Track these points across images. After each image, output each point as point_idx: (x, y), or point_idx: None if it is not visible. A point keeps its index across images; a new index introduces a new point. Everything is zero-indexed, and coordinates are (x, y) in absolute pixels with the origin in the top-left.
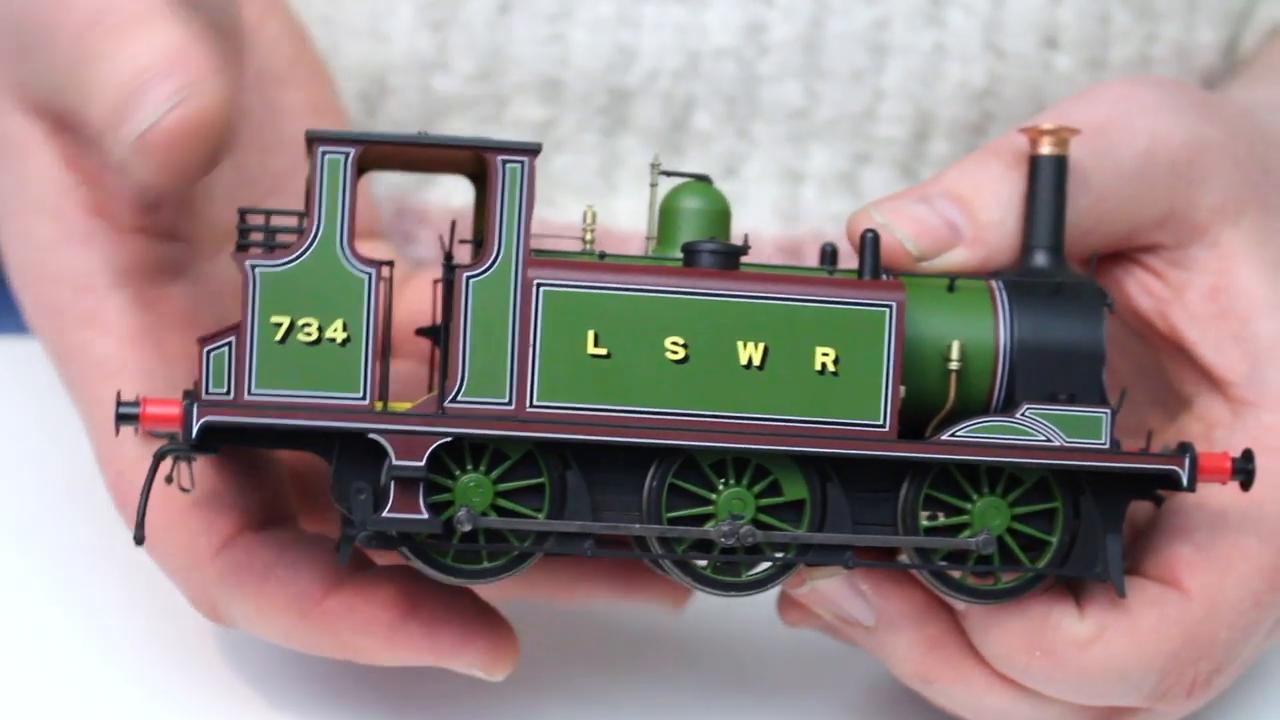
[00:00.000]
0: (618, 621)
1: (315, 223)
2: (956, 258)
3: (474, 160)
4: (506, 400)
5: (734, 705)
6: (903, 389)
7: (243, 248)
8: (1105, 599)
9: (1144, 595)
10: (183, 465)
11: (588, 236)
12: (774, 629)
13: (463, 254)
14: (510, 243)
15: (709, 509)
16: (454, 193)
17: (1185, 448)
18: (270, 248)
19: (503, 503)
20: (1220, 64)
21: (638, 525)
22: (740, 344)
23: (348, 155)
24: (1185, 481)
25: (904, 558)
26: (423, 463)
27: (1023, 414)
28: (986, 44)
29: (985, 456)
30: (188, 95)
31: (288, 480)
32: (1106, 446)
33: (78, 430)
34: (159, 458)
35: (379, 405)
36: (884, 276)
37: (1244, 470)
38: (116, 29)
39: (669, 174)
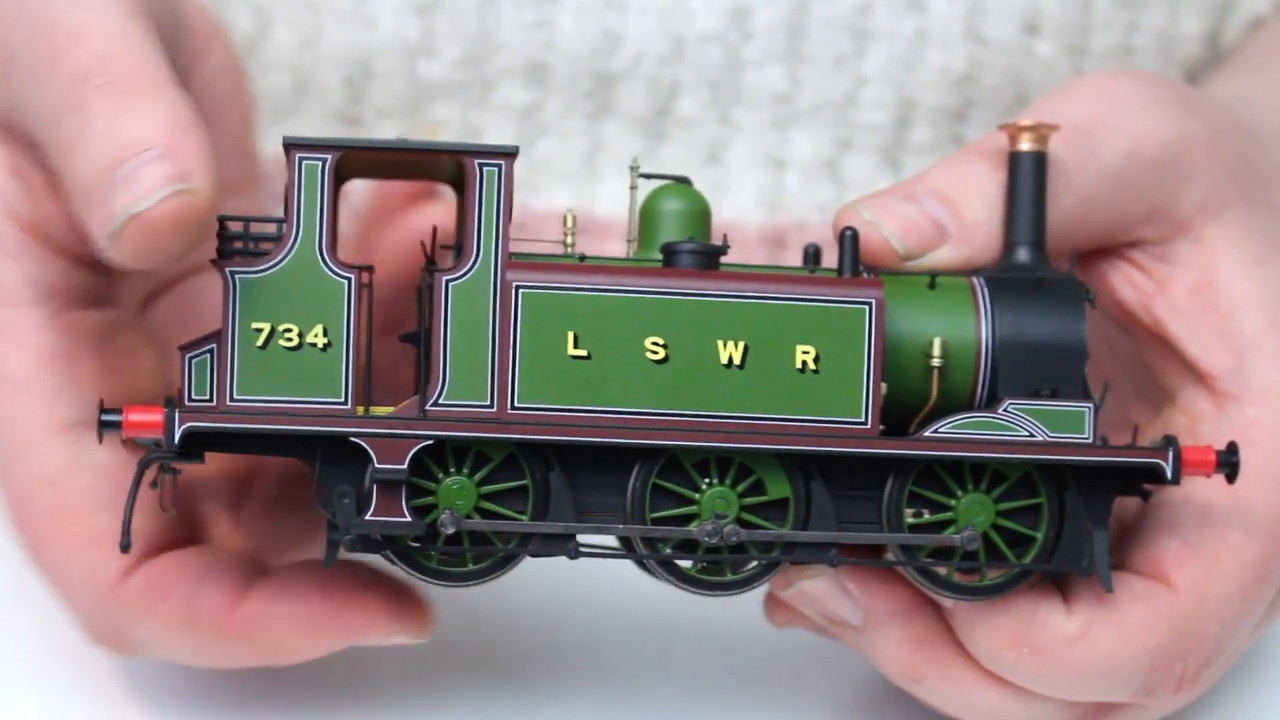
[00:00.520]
0: (611, 621)
1: (294, 229)
2: (942, 256)
3: (454, 168)
4: (488, 402)
5: (725, 704)
6: (884, 386)
7: (223, 255)
8: (1092, 595)
9: (1131, 590)
10: (167, 481)
11: (568, 239)
12: (764, 627)
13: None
14: (489, 246)
15: (693, 509)
16: None
17: (1169, 441)
18: (249, 254)
19: (486, 505)
20: (1203, 54)
21: (621, 526)
22: (720, 343)
23: (325, 161)
24: (1169, 475)
25: (890, 555)
26: (405, 466)
27: (1005, 410)
28: (968, 30)
29: (968, 453)
30: (181, 188)
31: (189, 499)
32: (1090, 441)
33: None
34: (144, 465)
35: (361, 409)
36: (864, 274)
37: (1229, 463)
38: (114, 89)
39: (649, 176)
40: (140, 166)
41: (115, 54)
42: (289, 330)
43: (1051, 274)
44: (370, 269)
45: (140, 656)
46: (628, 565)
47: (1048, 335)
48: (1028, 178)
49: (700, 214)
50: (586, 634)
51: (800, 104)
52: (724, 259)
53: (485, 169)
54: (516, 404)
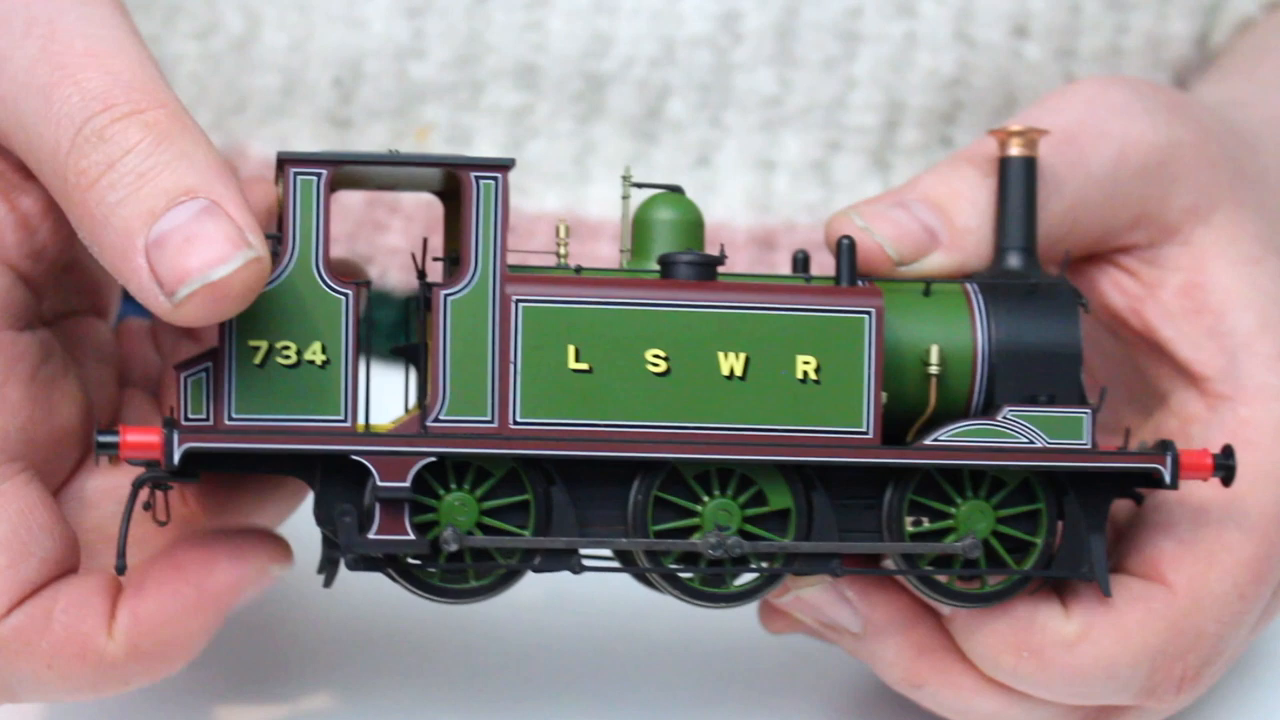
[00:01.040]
0: (604, 623)
1: (290, 245)
2: (934, 262)
3: (445, 179)
4: (489, 418)
5: (723, 710)
6: (884, 395)
7: None
8: (1090, 598)
9: (1129, 592)
10: (159, 495)
11: (561, 250)
12: (761, 634)
13: (435, 271)
14: (487, 259)
15: (695, 521)
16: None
17: (1166, 445)
18: None
19: (488, 521)
20: (1192, 55)
21: (624, 539)
22: (721, 355)
23: (320, 177)
24: (1168, 479)
25: (890, 564)
26: (407, 483)
27: (1004, 416)
28: (957, 33)
29: (968, 460)
30: (253, 256)
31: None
32: (1088, 446)
33: None
34: (137, 486)
35: (361, 426)
36: (860, 282)
37: (1225, 466)
38: (144, 124)
39: (641, 185)
40: (196, 221)
41: (135, 79)
42: (286, 348)
43: (1044, 279)
44: (367, 284)
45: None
46: (627, 578)
47: (1043, 341)
48: (1018, 183)
49: (694, 223)
50: (585, 644)
51: (789, 106)
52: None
53: (482, 182)
54: (518, 419)
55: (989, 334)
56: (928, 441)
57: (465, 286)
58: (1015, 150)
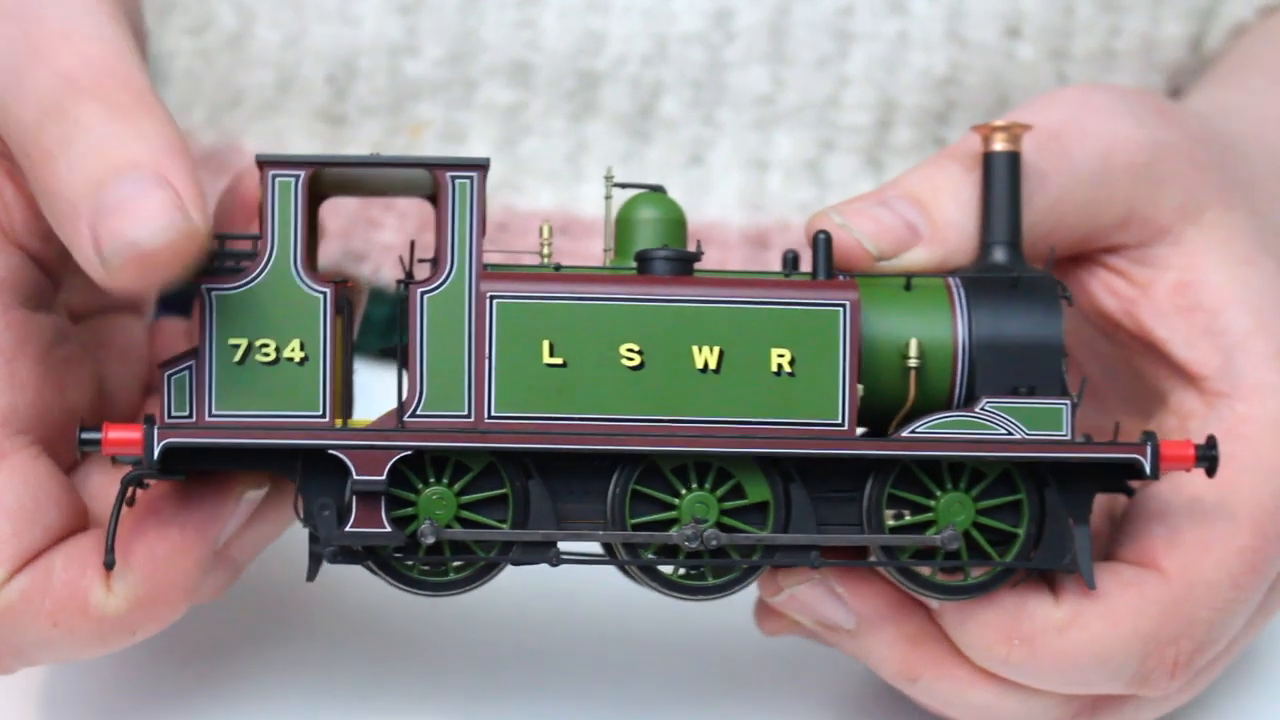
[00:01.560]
0: (595, 626)
1: (268, 245)
2: (916, 257)
3: (431, 183)
4: (465, 413)
5: (713, 706)
6: (861, 388)
7: (198, 272)
8: (1080, 584)
9: (1120, 577)
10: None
11: (545, 250)
12: (750, 630)
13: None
14: (463, 257)
15: (673, 514)
16: None
17: (1148, 436)
18: (224, 271)
19: (466, 514)
20: (1186, 58)
21: (602, 532)
22: (695, 348)
23: (298, 178)
24: (1148, 469)
25: (873, 557)
26: (383, 477)
27: (983, 408)
28: (949, 33)
29: (942, 451)
30: (181, 222)
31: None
32: (1067, 437)
33: None
34: (127, 483)
35: (339, 422)
36: (840, 277)
37: (1208, 457)
38: (103, 99)
39: (624, 185)
40: (137, 190)
41: (103, 61)
42: (266, 345)
43: (1028, 272)
44: (345, 282)
45: (28, 666)
46: (611, 572)
47: (1025, 333)
48: (1002, 178)
49: (675, 222)
50: (571, 639)
51: (782, 105)
52: (702, 263)
53: (457, 181)
54: (494, 413)
55: (969, 327)
56: (904, 434)
57: (442, 284)
58: (999, 145)
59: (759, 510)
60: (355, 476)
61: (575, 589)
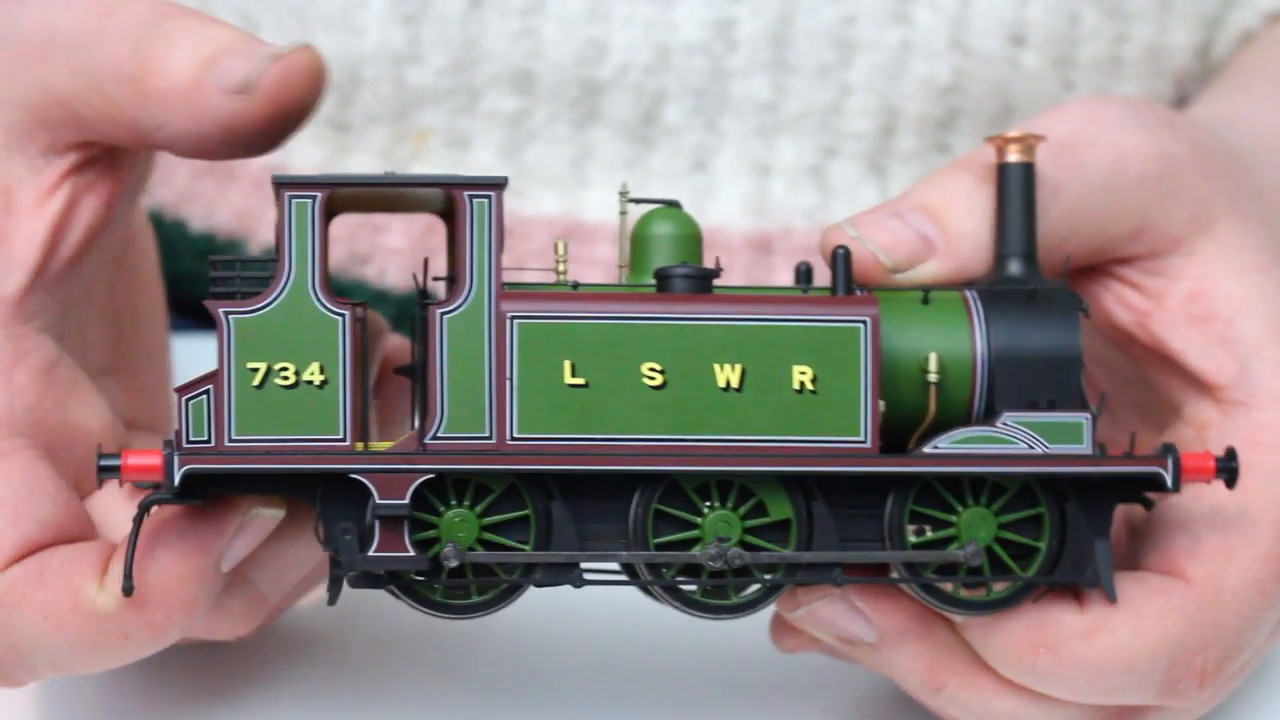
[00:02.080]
0: (616, 644)
1: (286, 267)
2: (929, 269)
3: (444, 199)
4: (487, 434)
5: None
6: (882, 404)
7: (215, 295)
8: (1104, 593)
9: (1145, 586)
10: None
11: (560, 267)
12: (767, 646)
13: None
14: (482, 277)
15: (695, 533)
16: None
17: (1168, 449)
18: (241, 295)
19: (489, 536)
20: (1194, 65)
21: (625, 552)
22: (717, 367)
23: (315, 199)
24: (1169, 482)
25: (894, 574)
26: (406, 500)
27: (1003, 423)
28: (952, 41)
29: (966, 467)
30: (284, 53)
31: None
32: (1088, 451)
33: None
34: (145, 508)
35: (360, 445)
36: (858, 292)
37: (1228, 469)
38: (190, 16)
39: (638, 201)
40: (254, 56)
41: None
42: (285, 369)
43: (1044, 285)
44: (365, 304)
45: (29, 678)
46: (631, 590)
47: (1043, 346)
48: (1016, 189)
49: (691, 237)
50: (591, 658)
51: (785, 112)
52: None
53: (475, 200)
54: (515, 435)
55: (988, 341)
56: (926, 450)
57: (461, 304)
58: (1013, 156)
59: (781, 528)
60: (378, 500)
61: (594, 609)
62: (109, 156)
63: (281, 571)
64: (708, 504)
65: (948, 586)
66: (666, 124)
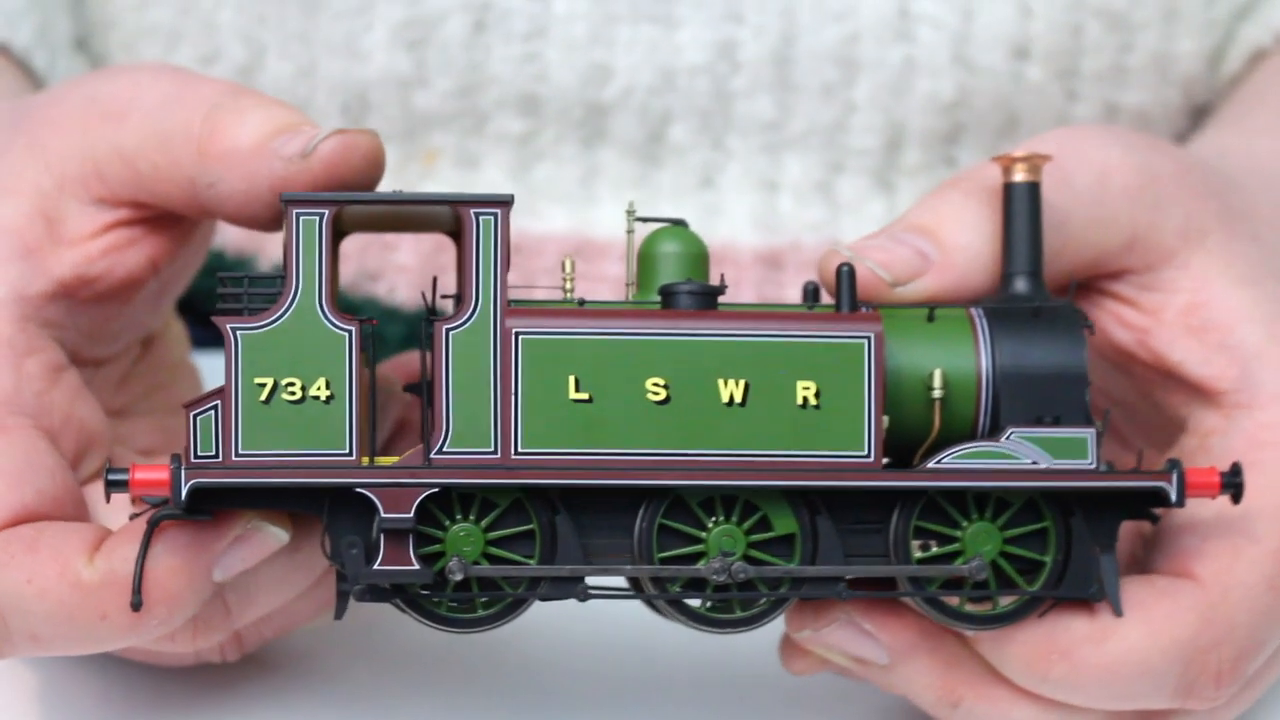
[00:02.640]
0: (617, 645)
1: (293, 284)
2: (928, 283)
3: (451, 217)
4: (492, 449)
5: None
6: (886, 419)
7: (222, 312)
8: None
9: (1155, 587)
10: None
11: (567, 285)
12: (774, 661)
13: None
14: (487, 293)
15: (700, 547)
16: None
17: (1173, 464)
18: (251, 310)
19: (494, 550)
20: (1204, 73)
21: (629, 566)
22: (721, 382)
23: (322, 216)
24: (1174, 498)
25: (900, 588)
26: (411, 514)
27: (1008, 438)
28: (956, 57)
29: (968, 482)
30: (349, 130)
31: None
32: (1093, 466)
33: None
34: (153, 524)
35: (366, 460)
36: (862, 309)
37: (1233, 484)
38: (258, 96)
39: (645, 220)
40: (315, 128)
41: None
42: (292, 384)
43: (1049, 302)
44: (372, 320)
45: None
46: (636, 605)
47: (1048, 363)
48: (1023, 208)
49: (697, 255)
50: (595, 670)
51: (790, 130)
52: (715, 282)
53: (481, 218)
54: (520, 449)
55: (992, 357)
56: (930, 465)
57: (466, 320)
58: (1019, 176)
59: (785, 542)
60: (383, 515)
61: (599, 623)
62: (158, 221)
63: (252, 590)
64: (712, 519)
65: (953, 601)
66: (673, 143)
